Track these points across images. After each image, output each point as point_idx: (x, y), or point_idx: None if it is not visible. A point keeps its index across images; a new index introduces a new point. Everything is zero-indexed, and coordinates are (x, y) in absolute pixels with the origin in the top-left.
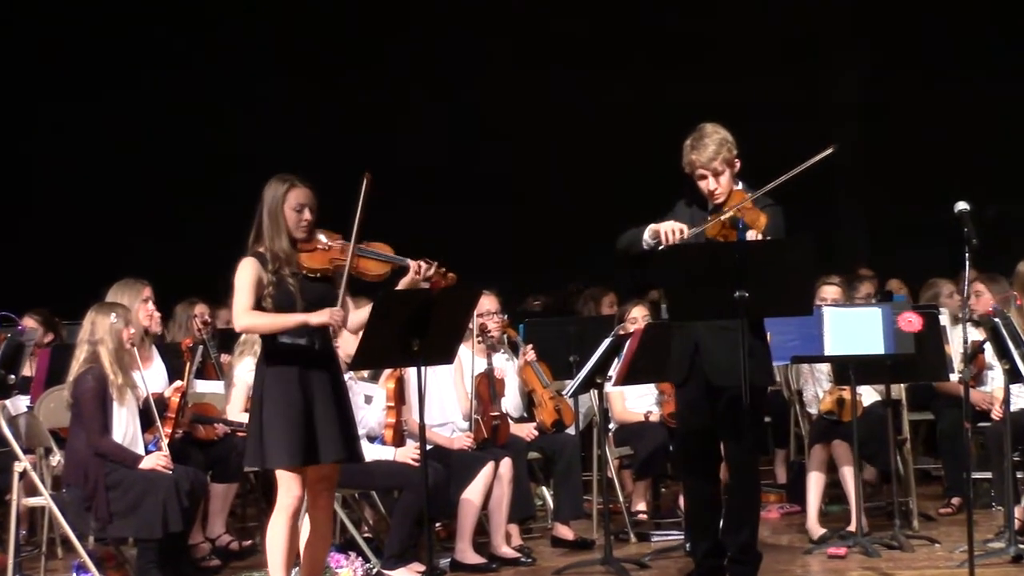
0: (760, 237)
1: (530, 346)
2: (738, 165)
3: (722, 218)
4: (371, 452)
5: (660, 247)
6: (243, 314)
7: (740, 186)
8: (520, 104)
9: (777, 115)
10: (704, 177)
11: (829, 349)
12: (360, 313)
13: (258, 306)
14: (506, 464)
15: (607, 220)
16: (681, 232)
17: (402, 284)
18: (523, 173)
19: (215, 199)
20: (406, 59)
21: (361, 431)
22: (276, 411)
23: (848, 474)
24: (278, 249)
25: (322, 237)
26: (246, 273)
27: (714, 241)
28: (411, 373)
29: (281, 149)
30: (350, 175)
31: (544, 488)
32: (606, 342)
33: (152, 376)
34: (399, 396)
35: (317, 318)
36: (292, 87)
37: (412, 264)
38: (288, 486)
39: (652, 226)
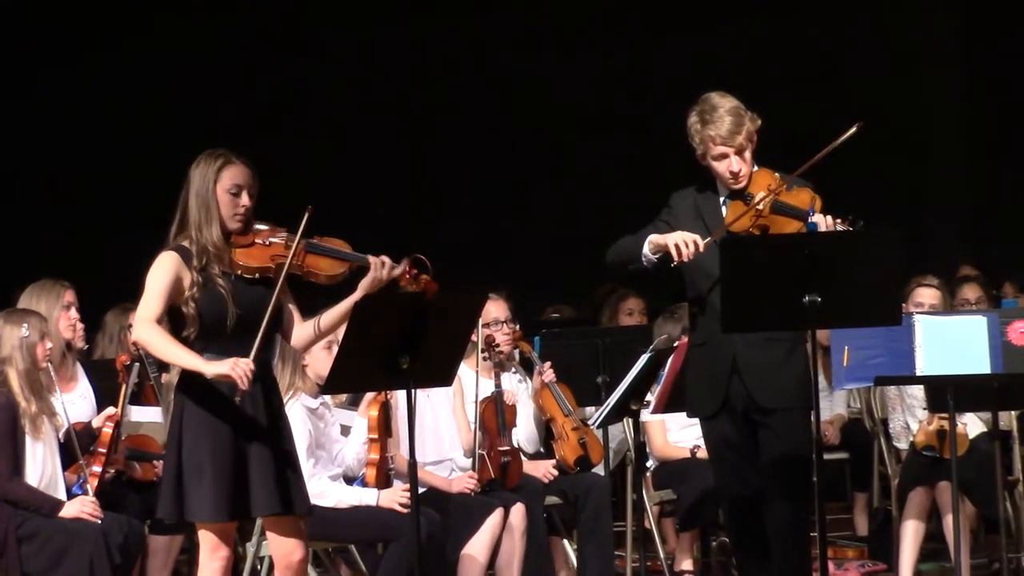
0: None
1: (548, 364)
2: (755, 140)
3: (758, 206)
4: (349, 495)
5: (673, 265)
6: (143, 323)
7: (756, 167)
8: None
9: (860, 65)
10: (724, 156)
11: (922, 368)
12: (305, 328)
13: (176, 313)
14: (518, 511)
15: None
16: (696, 244)
17: (362, 288)
18: (540, 163)
19: (155, 186)
20: (406, 43)
21: (336, 469)
22: (200, 451)
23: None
24: (207, 241)
25: (262, 228)
26: (161, 272)
27: (777, 234)
28: (400, 398)
29: (234, 135)
30: (325, 172)
31: (566, 541)
32: (643, 359)
33: (76, 401)
34: (384, 426)
35: (214, 368)
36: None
37: (373, 261)
38: (212, 544)
39: (653, 237)
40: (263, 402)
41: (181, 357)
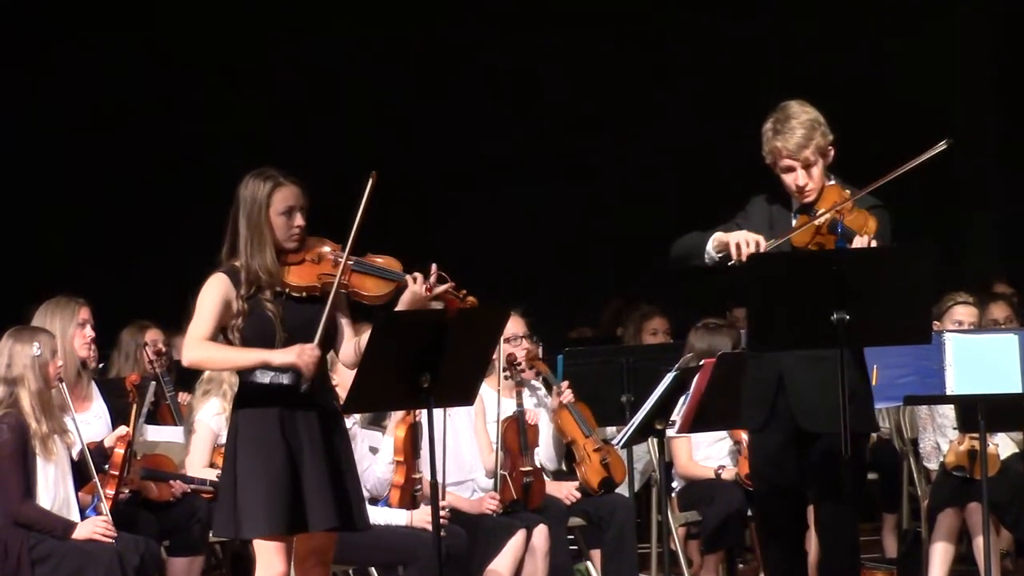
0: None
1: (565, 383)
2: (832, 154)
3: (816, 222)
4: (379, 516)
5: (730, 264)
6: (193, 344)
7: (832, 181)
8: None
9: (891, 80)
10: (791, 169)
11: (952, 387)
12: (351, 345)
13: (224, 336)
14: (541, 532)
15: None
16: (756, 245)
17: (401, 304)
18: (566, 162)
19: (177, 197)
20: (430, 35)
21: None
22: (254, 465)
23: (983, 547)
24: (259, 266)
25: (313, 244)
26: (210, 294)
27: (805, 250)
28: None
29: (265, 134)
30: (349, 174)
31: (589, 563)
32: (668, 378)
33: (91, 420)
34: (411, 448)
35: (281, 357)
36: (279, 60)
37: (409, 278)
38: (268, 561)
39: (718, 235)
40: (319, 416)
41: (244, 357)
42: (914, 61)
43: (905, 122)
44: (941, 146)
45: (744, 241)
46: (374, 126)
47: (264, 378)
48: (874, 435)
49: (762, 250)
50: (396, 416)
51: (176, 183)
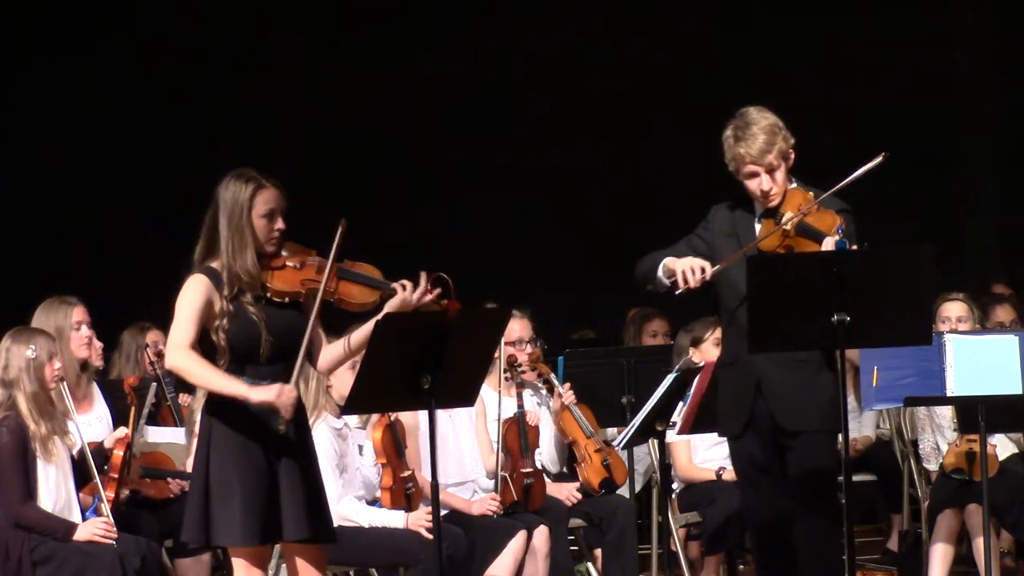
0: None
1: (567, 385)
2: (792, 157)
3: (785, 226)
4: (377, 517)
5: (678, 292)
6: (177, 350)
7: (794, 184)
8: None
9: (889, 74)
10: (755, 175)
11: (952, 388)
12: (335, 348)
13: (206, 339)
14: (541, 534)
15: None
16: (703, 271)
17: (388, 308)
18: (571, 162)
19: (178, 196)
20: (432, 29)
21: (360, 491)
22: (229, 472)
23: (983, 548)
24: (240, 268)
25: (293, 251)
26: (192, 296)
27: (806, 252)
28: (416, 418)
29: (264, 135)
30: (348, 177)
31: (590, 564)
32: (668, 379)
33: (92, 422)
34: (392, 449)
35: (260, 395)
36: (278, 60)
37: (397, 286)
38: (245, 570)
39: (667, 261)
40: (294, 424)
41: (221, 383)
42: (914, 60)
43: (905, 122)
44: (878, 160)
45: (690, 268)
46: (375, 127)
47: (244, 380)
48: (873, 437)
49: (707, 276)
50: (372, 418)
51: (176, 184)
